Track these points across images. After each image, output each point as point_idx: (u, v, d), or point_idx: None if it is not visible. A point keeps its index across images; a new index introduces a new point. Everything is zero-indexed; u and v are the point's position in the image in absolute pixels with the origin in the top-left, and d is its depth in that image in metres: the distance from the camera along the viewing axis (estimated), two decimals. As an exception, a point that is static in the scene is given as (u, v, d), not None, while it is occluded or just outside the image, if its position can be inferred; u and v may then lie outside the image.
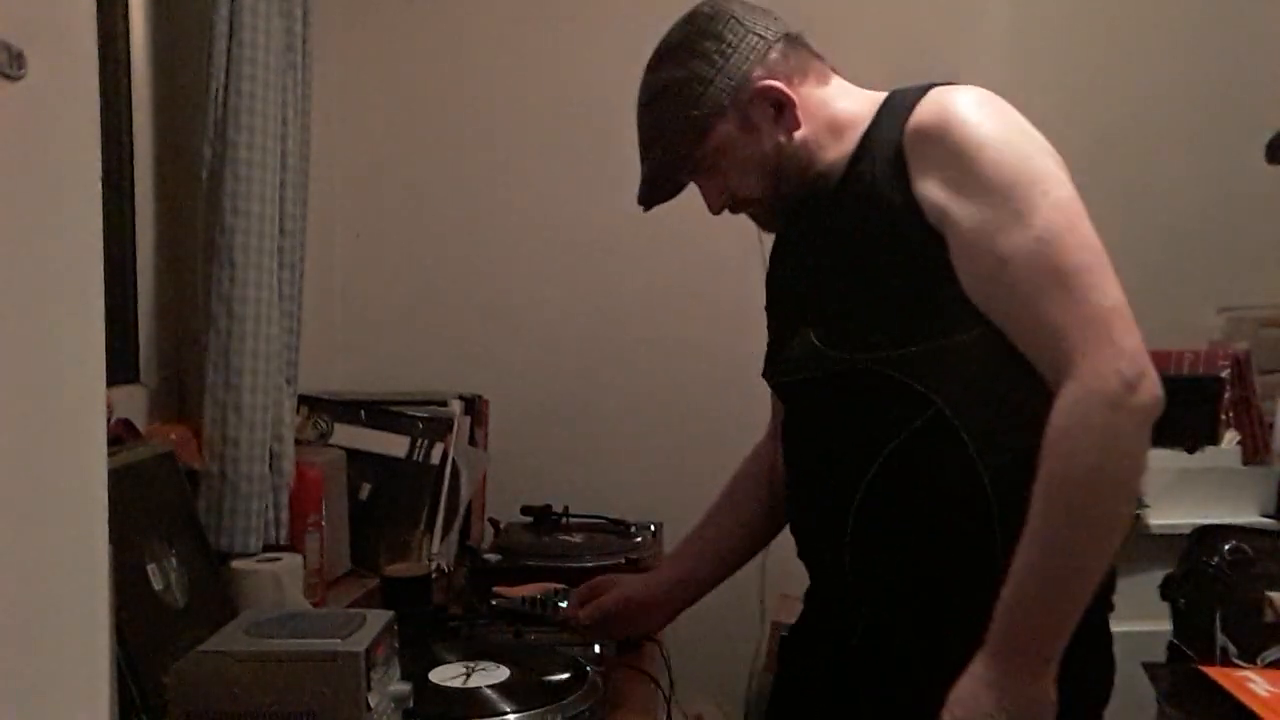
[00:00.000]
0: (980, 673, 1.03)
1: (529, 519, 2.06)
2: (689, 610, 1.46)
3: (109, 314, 0.67)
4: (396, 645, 1.07)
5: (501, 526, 2.02)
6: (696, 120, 1.17)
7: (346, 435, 1.87)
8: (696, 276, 2.32)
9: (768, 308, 1.32)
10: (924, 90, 1.15)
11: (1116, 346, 1.00)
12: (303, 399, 1.81)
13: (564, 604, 1.51)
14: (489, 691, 1.22)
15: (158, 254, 1.61)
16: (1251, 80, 2.38)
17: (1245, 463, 2.15)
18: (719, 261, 2.14)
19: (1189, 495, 2.08)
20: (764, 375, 1.31)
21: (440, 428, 1.88)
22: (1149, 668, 1.44)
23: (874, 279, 1.12)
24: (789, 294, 1.27)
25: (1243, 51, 2.41)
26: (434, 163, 2.37)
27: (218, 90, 1.45)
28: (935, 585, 1.13)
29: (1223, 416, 2.20)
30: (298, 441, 1.66)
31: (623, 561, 1.77)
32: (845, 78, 1.25)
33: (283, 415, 1.56)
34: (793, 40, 1.21)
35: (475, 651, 1.36)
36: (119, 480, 1.17)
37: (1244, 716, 1.23)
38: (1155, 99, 2.39)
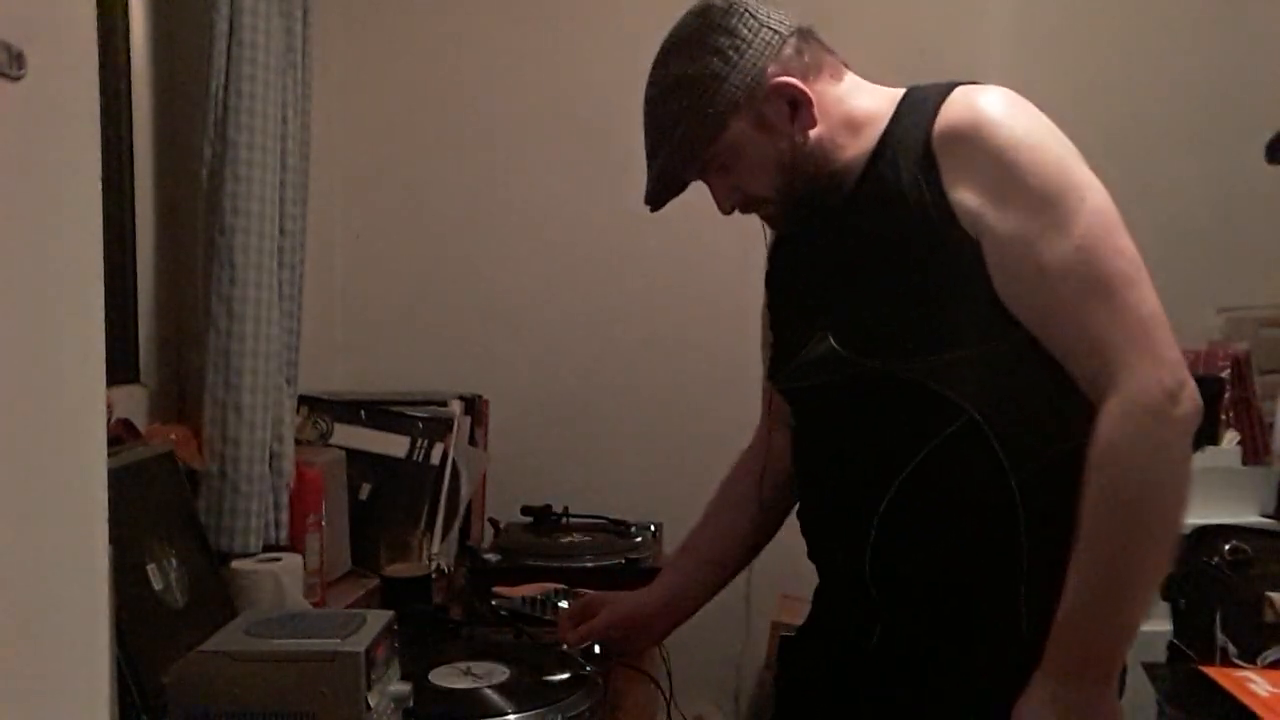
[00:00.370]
0: (1041, 694, 1.02)
1: (529, 519, 2.06)
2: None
3: (109, 314, 0.67)
4: (396, 645, 1.07)
5: (501, 526, 2.02)
6: (710, 118, 1.13)
7: (346, 435, 1.87)
8: (696, 276, 2.32)
9: (773, 309, 1.30)
10: (947, 89, 1.12)
11: (1158, 357, 1.00)
12: (303, 399, 1.81)
13: (564, 604, 1.51)
14: (489, 691, 1.22)
15: (158, 254, 1.60)
16: (1251, 80, 2.38)
17: (1245, 463, 2.15)
18: (719, 261, 2.14)
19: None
20: (771, 378, 1.29)
21: (440, 428, 1.88)
22: (1149, 668, 1.44)
23: (902, 283, 1.10)
24: (802, 296, 1.23)
25: (1243, 51, 2.41)
26: (434, 163, 2.37)
27: (218, 90, 1.45)
28: (959, 591, 1.12)
29: (1223, 416, 2.19)
30: (298, 441, 1.66)
31: (623, 562, 1.77)
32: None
33: (283, 415, 1.56)
34: (806, 35, 1.16)
35: (475, 651, 1.36)
36: (119, 480, 1.17)
37: (1244, 716, 1.23)
38: (1156, 99, 2.39)
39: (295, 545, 1.54)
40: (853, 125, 1.16)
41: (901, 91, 1.17)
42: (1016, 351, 1.07)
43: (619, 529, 2.01)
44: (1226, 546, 1.76)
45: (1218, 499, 2.09)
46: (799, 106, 1.14)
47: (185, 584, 1.26)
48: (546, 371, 2.37)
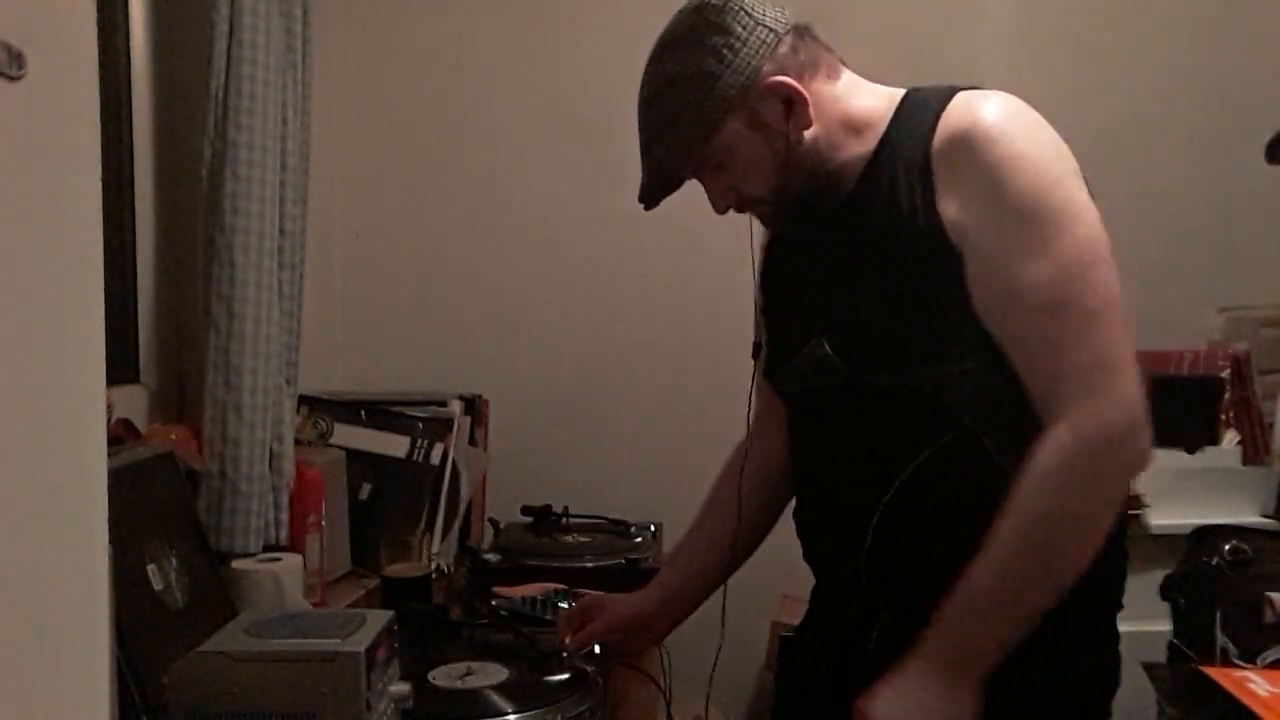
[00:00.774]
0: (906, 676, 1.03)
1: (529, 519, 2.06)
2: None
3: (109, 314, 0.67)
4: (396, 645, 1.07)
5: (501, 526, 2.02)
6: (704, 117, 1.11)
7: (346, 435, 1.87)
8: (696, 276, 2.31)
9: (768, 306, 1.30)
10: (949, 94, 1.11)
11: (1111, 397, 1.00)
12: (303, 399, 1.81)
13: (564, 604, 1.51)
14: (489, 691, 1.22)
15: (158, 254, 1.60)
16: (1251, 80, 2.38)
17: (1245, 463, 2.15)
18: (719, 261, 2.13)
19: (1189, 495, 2.08)
20: (767, 376, 1.29)
21: (440, 428, 1.88)
22: (1149, 668, 1.44)
23: (895, 293, 1.09)
24: (797, 298, 1.23)
25: (1243, 51, 2.41)
26: (434, 163, 2.37)
27: (218, 90, 1.45)
28: None
29: (1223, 417, 2.20)
30: (298, 441, 1.66)
31: (623, 562, 1.77)
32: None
33: (283, 415, 1.56)
34: (802, 32, 1.14)
35: (475, 651, 1.36)
36: (119, 480, 1.17)
37: (1244, 716, 1.23)
38: (1156, 99, 2.39)
39: (295, 545, 1.54)
40: (851, 125, 1.15)
41: (901, 92, 1.16)
42: (1010, 366, 1.06)
43: (619, 529, 2.01)
44: (1226, 546, 1.76)
45: (1218, 499, 2.10)
46: (794, 106, 1.12)
47: (185, 584, 1.26)
48: (546, 371, 2.37)
